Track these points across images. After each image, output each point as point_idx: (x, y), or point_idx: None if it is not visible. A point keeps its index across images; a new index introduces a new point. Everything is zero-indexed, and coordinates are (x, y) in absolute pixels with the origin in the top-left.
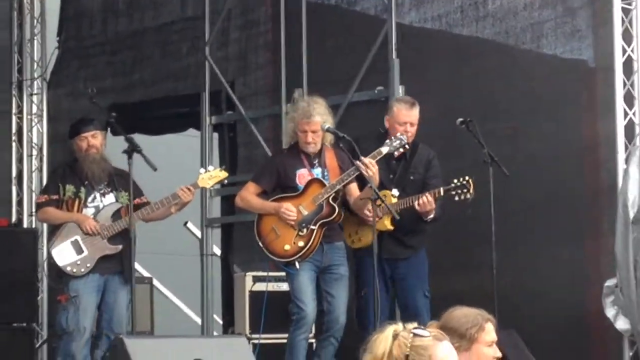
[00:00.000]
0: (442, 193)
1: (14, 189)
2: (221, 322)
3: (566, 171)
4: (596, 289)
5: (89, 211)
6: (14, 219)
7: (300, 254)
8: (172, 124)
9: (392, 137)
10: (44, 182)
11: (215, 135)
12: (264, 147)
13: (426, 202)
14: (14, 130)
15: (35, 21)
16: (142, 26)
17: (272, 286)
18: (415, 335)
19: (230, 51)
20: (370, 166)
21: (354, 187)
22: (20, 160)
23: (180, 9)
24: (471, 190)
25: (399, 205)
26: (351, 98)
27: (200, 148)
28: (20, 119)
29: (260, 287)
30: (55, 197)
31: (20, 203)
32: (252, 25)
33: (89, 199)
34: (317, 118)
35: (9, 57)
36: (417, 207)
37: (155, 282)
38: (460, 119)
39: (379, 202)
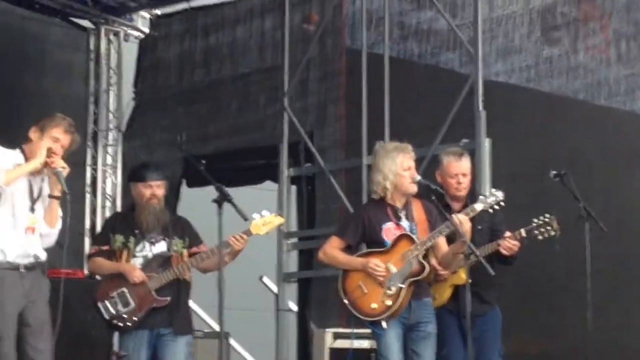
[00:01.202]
0: (523, 234)
1: (87, 240)
2: None
3: None
4: None
5: (137, 261)
6: (86, 271)
7: (388, 313)
8: (248, 176)
9: (488, 193)
10: None
11: (293, 188)
12: (344, 200)
13: (511, 245)
14: (88, 181)
15: (111, 72)
16: (219, 76)
17: (354, 343)
18: None
19: (309, 102)
20: (464, 223)
21: (442, 242)
22: (93, 212)
23: (258, 59)
24: (554, 226)
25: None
26: (435, 150)
27: (278, 201)
28: (94, 170)
29: (341, 344)
30: (105, 247)
31: None
32: (331, 76)
33: (138, 249)
34: (413, 153)
35: (84, 108)
36: (503, 251)
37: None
38: (554, 172)
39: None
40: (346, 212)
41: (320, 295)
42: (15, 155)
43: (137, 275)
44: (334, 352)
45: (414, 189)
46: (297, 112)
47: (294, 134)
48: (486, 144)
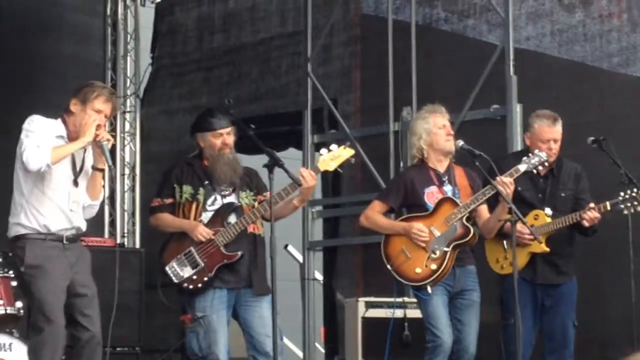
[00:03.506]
0: (608, 207)
1: (106, 208)
2: (322, 350)
3: None
4: None
5: (208, 216)
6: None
7: (433, 277)
8: (271, 144)
9: (530, 154)
10: (137, 202)
11: (317, 155)
12: (370, 167)
13: (593, 217)
14: None
15: (129, 37)
16: (239, 42)
17: (386, 312)
18: None
19: (332, 68)
20: (508, 185)
21: (483, 208)
22: (112, 180)
23: (279, 24)
24: None
25: (556, 224)
26: (464, 117)
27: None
28: (113, 137)
29: (373, 313)
30: (169, 200)
31: (112, 223)
32: (355, 41)
33: (209, 202)
34: (447, 114)
35: (102, 74)
36: (585, 223)
37: None
38: (592, 138)
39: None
40: (371, 180)
41: (346, 264)
42: (57, 126)
43: (201, 231)
44: (367, 321)
45: (450, 146)
46: (321, 78)
47: (317, 99)
48: (517, 109)
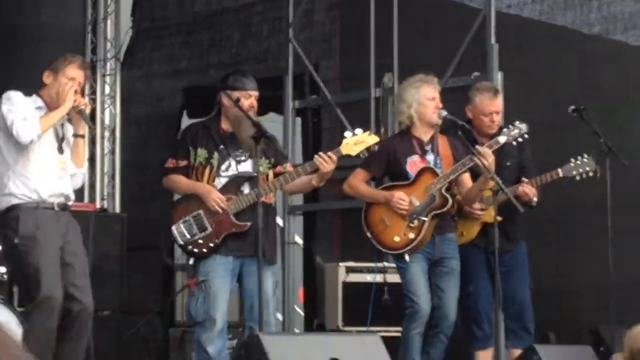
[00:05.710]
0: (560, 174)
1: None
2: (302, 313)
3: None
4: None
5: (222, 181)
6: (85, 202)
7: (411, 246)
8: None
9: (510, 126)
10: (117, 165)
11: (298, 120)
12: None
13: (527, 192)
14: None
15: (109, 0)
16: (220, 6)
17: (366, 277)
18: None
19: (314, 33)
20: (487, 156)
21: (466, 178)
22: (92, 142)
23: None
24: (592, 166)
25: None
26: (445, 84)
27: (283, 133)
28: (93, 100)
29: (354, 278)
30: (183, 162)
31: (92, 186)
32: (337, 7)
33: (223, 167)
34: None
35: (82, 37)
36: (521, 198)
37: None
38: (573, 107)
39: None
40: None
41: (325, 228)
42: (34, 99)
43: (215, 198)
44: (347, 285)
45: (437, 119)
46: (302, 43)
47: (298, 65)
48: (498, 77)
